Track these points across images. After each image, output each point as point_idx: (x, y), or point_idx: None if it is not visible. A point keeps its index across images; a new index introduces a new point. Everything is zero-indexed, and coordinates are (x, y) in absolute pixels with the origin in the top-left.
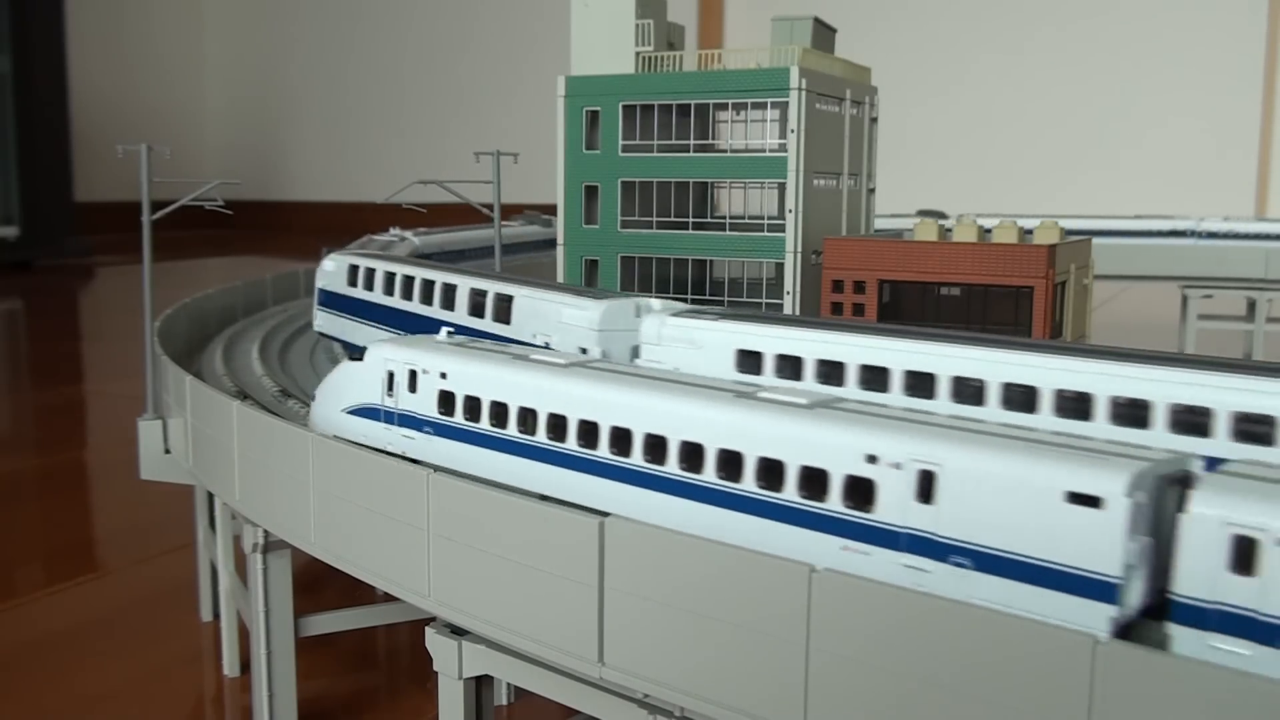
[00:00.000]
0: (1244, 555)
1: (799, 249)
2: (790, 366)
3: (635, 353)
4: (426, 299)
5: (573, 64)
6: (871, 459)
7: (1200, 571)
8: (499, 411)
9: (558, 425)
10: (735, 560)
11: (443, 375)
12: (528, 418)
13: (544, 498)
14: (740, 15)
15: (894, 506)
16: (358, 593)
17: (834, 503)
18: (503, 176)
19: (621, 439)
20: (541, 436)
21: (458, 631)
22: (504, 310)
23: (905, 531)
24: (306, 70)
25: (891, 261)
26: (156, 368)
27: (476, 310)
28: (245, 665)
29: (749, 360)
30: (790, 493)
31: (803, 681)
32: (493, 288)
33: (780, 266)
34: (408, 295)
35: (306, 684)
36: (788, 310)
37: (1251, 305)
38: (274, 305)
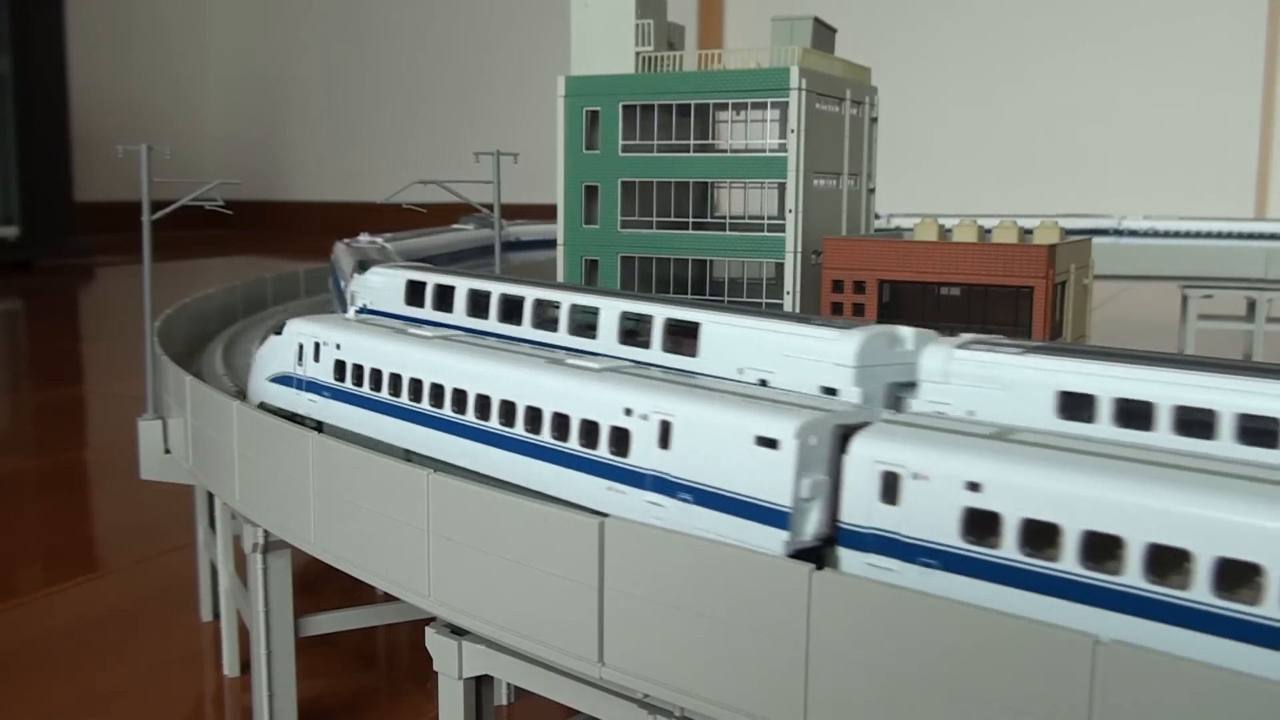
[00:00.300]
0: (890, 487)
1: (799, 249)
2: (1136, 415)
3: (897, 392)
4: (544, 323)
5: (573, 64)
6: (628, 412)
7: (859, 502)
8: (375, 377)
9: (416, 388)
10: (735, 560)
11: (338, 347)
12: (395, 382)
13: (409, 453)
14: (740, 15)
15: (642, 452)
16: (358, 593)
17: (603, 450)
18: (503, 176)
19: (459, 399)
20: (404, 398)
21: (458, 631)
22: (683, 340)
23: (649, 473)
24: (307, 70)
25: (891, 261)
26: (156, 368)
27: (634, 338)
28: (245, 665)
29: (1077, 405)
30: (573, 442)
31: (802, 681)
32: (660, 312)
33: (780, 266)
34: (511, 318)
35: (306, 684)
36: (787, 310)
37: (1251, 305)
38: (274, 305)
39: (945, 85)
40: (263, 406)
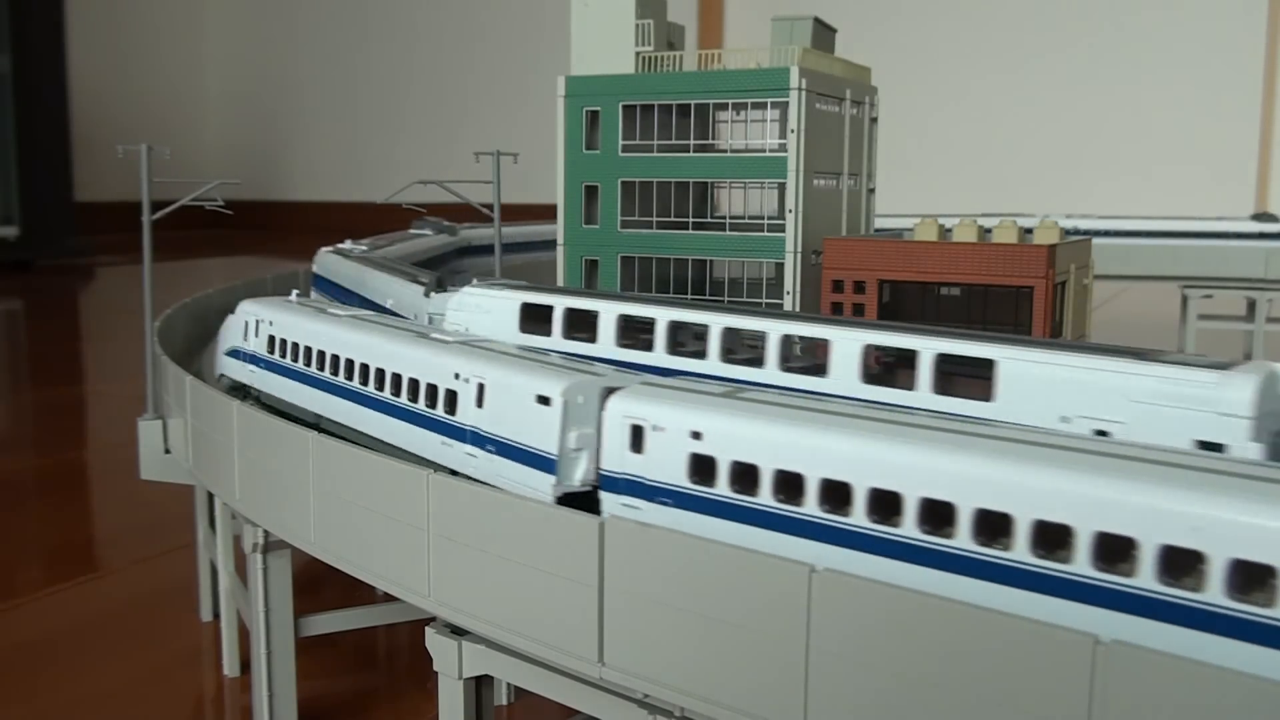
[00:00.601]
0: (637, 438)
1: (799, 249)
2: None
3: None
4: (734, 353)
5: (573, 64)
6: (456, 376)
7: (614, 452)
8: (294, 350)
9: (320, 359)
10: (735, 560)
11: (270, 324)
12: (307, 354)
13: (319, 417)
14: (740, 15)
15: (466, 411)
16: (358, 593)
17: (439, 410)
18: (503, 176)
19: (348, 367)
20: (313, 368)
21: (458, 631)
22: (965, 380)
23: (469, 429)
24: (306, 70)
25: (891, 261)
26: (156, 368)
27: (880, 375)
28: (245, 665)
29: None
30: (420, 403)
31: (803, 682)
32: (928, 346)
33: (780, 266)
34: (687, 350)
35: (306, 684)
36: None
37: (1251, 305)
38: None
39: (945, 85)
40: (222, 377)
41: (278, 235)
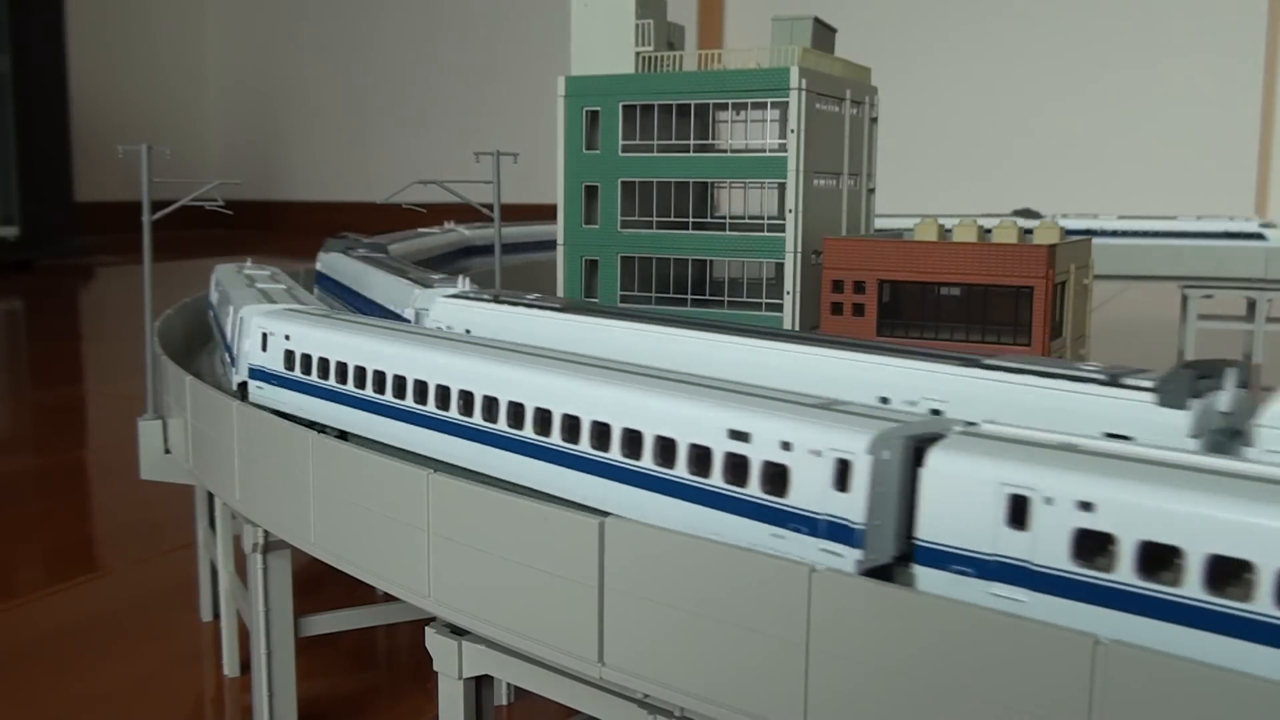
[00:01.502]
0: (264, 343)
1: (799, 249)
2: None
3: None
4: None
5: (573, 64)
6: (265, 336)
7: (254, 352)
8: (220, 298)
9: (221, 312)
10: (735, 560)
11: (217, 282)
12: (219, 302)
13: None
14: (740, 15)
15: (248, 349)
16: (358, 593)
17: (245, 343)
18: (503, 176)
19: (222, 318)
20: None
21: (458, 631)
22: None
23: (231, 347)
24: (306, 70)
25: (891, 261)
26: (156, 368)
27: None
28: (245, 665)
29: None
30: (230, 335)
31: (803, 682)
32: None
33: (780, 266)
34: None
35: (306, 684)
36: (788, 312)
37: (1251, 305)
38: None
39: (945, 85)
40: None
41: (278, 235)
